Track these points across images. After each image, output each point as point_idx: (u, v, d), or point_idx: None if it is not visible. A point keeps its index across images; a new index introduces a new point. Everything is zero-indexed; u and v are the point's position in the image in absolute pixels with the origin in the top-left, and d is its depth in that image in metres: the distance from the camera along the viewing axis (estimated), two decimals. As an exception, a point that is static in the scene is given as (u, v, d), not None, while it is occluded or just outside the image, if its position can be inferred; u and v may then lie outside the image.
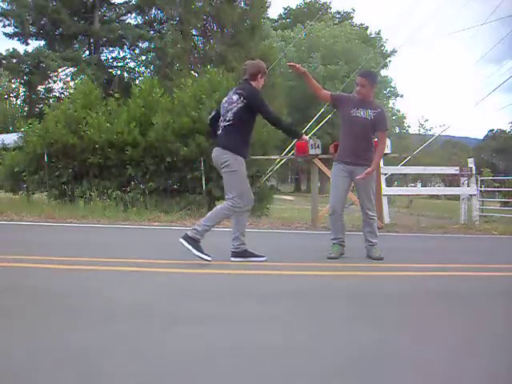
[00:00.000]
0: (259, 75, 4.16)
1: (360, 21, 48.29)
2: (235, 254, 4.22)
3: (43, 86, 24.25)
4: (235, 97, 4.14)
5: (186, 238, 3.98)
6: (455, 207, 11.46)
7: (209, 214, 4.19)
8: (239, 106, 4.09)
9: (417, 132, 46.07)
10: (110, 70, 24.98)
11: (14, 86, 32.64)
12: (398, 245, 6.03)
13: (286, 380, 1.85)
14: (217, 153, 4.15)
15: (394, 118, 39.56)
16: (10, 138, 12.68)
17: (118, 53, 25.38)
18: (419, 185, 22.78)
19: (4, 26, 22.70)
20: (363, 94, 4.53)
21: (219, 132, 4.23)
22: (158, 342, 2.18)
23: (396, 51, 37.05)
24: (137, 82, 18.17)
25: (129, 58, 25.49)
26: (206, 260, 3.93)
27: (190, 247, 3.95)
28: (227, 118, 4.15)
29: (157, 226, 7.23)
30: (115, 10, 25.19)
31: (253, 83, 4.17)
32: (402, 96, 45.32)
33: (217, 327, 2.44)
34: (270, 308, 2.83)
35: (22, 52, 22.13)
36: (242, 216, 4.24)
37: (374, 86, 4.68)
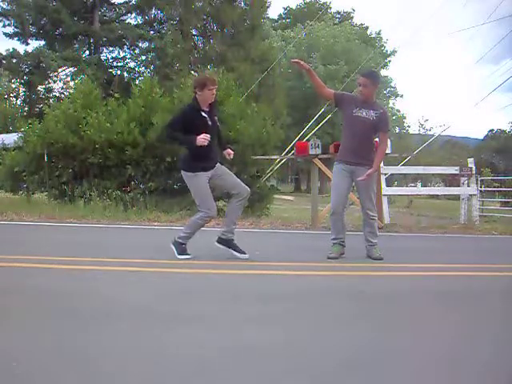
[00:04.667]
0: (196, 88, 4.25)
1: (360, 21, 48.37)
2: (219, 240, 4.39)
3: (43, 86, 24.25)
4: None
5: (174, 242, 4.36)
6: (455, 207, 11.45)
7: (188, 221, 4.52)
8: None
9: (417, 132, 46.07)
10: (110, 70, 24.96)
11: (14, 85, 32.67)
12: (398, 245, 6.03)
13: (286, 380, 1.85)
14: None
15: (394, 117, 39.52)
16: (10, 138, 12.68)
17: (118, 53, 25.40)
18: (419, 185, 22.72)
19: (4, 26, 22.72)
20: (365, 94, 4.53)
21: None
22: (157, 342, 2.18)
23: (396, 51, 37.07)
24: (137, 82, 18.11)
25: (129, 58, 25.49)
26: (188, 258, 4.23)
27: (174, 249, 4.31)
28: None
29: (157, 226, 7.23)
30: (115, 10, 25.18)
31: (196, 96, 4.27)
32: (402, 96, 45.42)
33: (217, 327, 2.44)
34: (270, 308, 2.83)
35: (22, 52, 22.12)
36: (236, 206, 4.35)
37: (376, 85, 4.68)
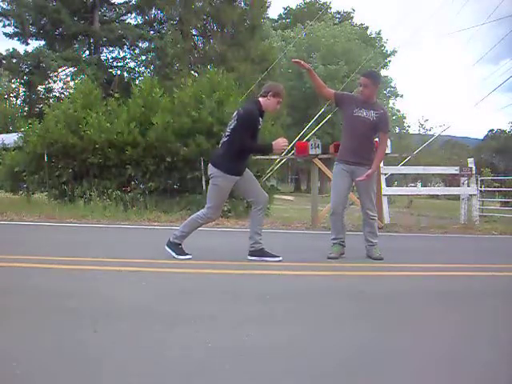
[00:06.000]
0: (270, 93, 4.16)
1: (360, 21, 48.39)
2: (250, 253, 4.29)
3: (43, 86, 24.25)
4: (235, 113, 4.23)
5: (168, 243, 4.28)
6: (455, 207, 11.45)
7: (186, 220, 4.39)
8: (234, 123, 4.16)
9: (417, 132, 46.05)
10: (110, 70, 24.96)
11: (14, 85, 32.67)
12: (398, 245, 6.03)
13: (286, 380, 1.85)
14: (209, 167, 4.25)
15: (394, 117, 39.49)
16: (10, 138, 12.69)
17: (118, 53, 25.40)
18: (419, 185, 22.72)
19: (4, 26, 22.73)
20: (366, 95, 4.53)
21: (219, 145, 4.33)
22: (158, 342, 2.18)
23: (396, 51, 37.06)
24: (137, 82, 18.13)
25: (129, 58, 25.49)
26: (188, 258, 4.19)
27: (170, 251, 4.25)
28: (226, 133, 4.23)
29: (157, 226, 7.23)
30: (115, 10, 25.17)
31: (261, 99, 4.19)
32: (402, 96, 45.39)
33: (217, 327, 2.44)
34: (270, 308, 2.83)
35: (22, 52, 22.12)
36: (257, 216, 4.29)
37: (377, 85, 4.67)
